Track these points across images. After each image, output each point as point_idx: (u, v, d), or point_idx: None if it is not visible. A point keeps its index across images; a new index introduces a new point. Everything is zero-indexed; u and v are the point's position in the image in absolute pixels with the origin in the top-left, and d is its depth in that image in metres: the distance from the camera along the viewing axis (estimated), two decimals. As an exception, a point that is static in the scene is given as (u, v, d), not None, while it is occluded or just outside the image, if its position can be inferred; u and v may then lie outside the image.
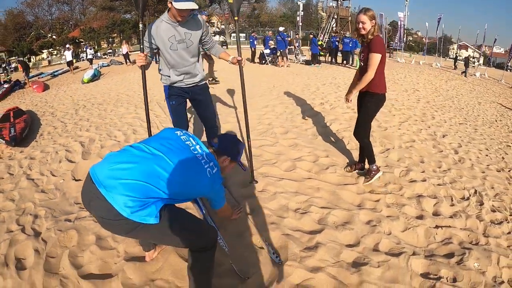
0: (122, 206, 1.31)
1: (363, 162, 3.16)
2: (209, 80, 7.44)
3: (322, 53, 16.81)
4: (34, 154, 4.29)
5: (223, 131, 4.45)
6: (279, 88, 7.71)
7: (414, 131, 4.74)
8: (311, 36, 15.38)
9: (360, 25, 2.54)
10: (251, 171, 2.93)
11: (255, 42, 15.20)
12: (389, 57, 20.02)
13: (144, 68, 2.47)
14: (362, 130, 2.86)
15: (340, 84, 8.57)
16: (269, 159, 3.47)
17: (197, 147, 1.60)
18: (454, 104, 7.69)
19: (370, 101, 2.75)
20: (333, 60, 15.17)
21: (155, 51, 2.51)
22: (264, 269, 1.95)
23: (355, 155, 3.55)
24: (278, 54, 13.25)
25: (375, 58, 2.53)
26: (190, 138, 1.64)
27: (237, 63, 2.64)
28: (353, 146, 3.85)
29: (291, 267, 1.92)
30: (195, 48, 2.52)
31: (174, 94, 2.64)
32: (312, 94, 6.97)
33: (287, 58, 13.33)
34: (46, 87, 11.36)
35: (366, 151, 2.95)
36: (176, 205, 1.61)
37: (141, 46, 2.44)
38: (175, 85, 2.60)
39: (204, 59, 6.66)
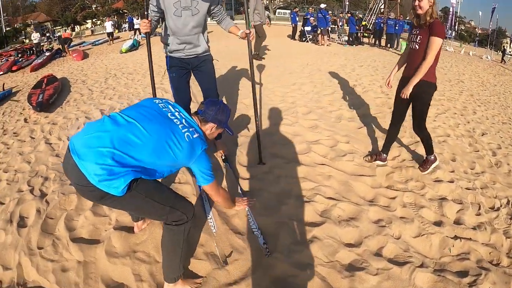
0: (92, 174, 1.29)
1: (387, 154, 2.91)
2: (255, 54, 7.23)
3: (366, 34, 15.78)
4: (56, 120, 4.45)
5: (239, 106, 4.27)
6: (312, 67, 7.33)
7: (451, 125, 4.26)
8: (349, 15, 14.43)
9: (416, 2, 2.30)
10: (259, 153, 2.75)
11: (297, 18, 14.75)
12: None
13: (148, 35, 2.40)
14: (422, 122, 2.64)
15: (378, 67, 7.94)
16: (283, 140, 3.25)
17: (177, 114, 1.56)
18: (500, 101, 6.86)
19: (426, 92, 2.51)
20: (376, 43, 14.18)
21: (160, 16, 2.42)
22: (248, 257, 1.80)
23: (379, 144, 3.25)
24: (319, 32, 12.61)
25: (437, 42, 2.29)
26: (169, 106, 1.60)
27: (245, 38, 2.52)
28: (379, 134, 3.53)
29: (276, 260, 1.76)
30: (201, 17, 2.39)
31: (174, 66, 2.53)
32: (346, 75, 6.53)
33: (328, 36, 12.76)
34: (85, 56, 11.61)
35: (426, 142, 2.75)
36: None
37: (146, 12, 2.35)
38: (175, 55, 2.50)
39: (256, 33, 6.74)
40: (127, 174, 1.32)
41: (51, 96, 5.44)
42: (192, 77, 2.69)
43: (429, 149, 2.77)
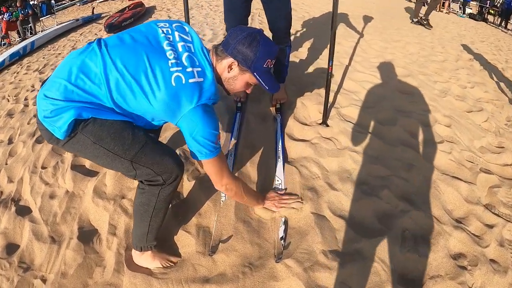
0: (41, 108, 1.03)
1: None
2: (420, 19, 6.32)
3: (492, 12, 12.84)
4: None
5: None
6: (423, 28, 6.09)
7: None
8: None
9: None
10: (324, 111, 2.08)
11: None
12: None
13: None
14: None
15: (503, 48, 6.29)
16: (364, 101, 2.51)
17: (181, 44, 1.09)
18: None
19: None
20: (502, 24, 11.44)
21: None
22: (248, 252, 1.29)
23: (489, 142, 2.36)
24: None
25: None
26: (177, 33, 1.12)
27: None
28: (491, 126, 2.61)
29: (286, 269, 1.21)
30: None
31: None
32: (462, 46, 5.26)
33: (449, 4, 11.08)
34: None
35: None
36: None
37: None
38: None
39: None
40: (70, 109, 0.98)
41: (125, 19, 5.85)
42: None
43: None
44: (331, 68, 1.93)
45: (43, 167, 1.99)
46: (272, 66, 1.15)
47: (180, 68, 1.02)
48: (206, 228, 1.40)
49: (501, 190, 1.90)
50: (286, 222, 1.40)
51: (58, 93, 0.98)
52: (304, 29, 4.48)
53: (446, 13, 10.56)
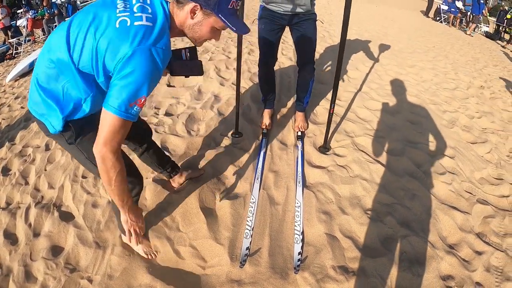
0: (30, 97, 1.11)
1: None
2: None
3: (508, 30, 12.70)
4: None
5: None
6: (437, 51, 6.24)
7: None
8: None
9: None
10: (325, 134, 2.35)
11: None
12: None
13: None
14: None
15: None
16: (376, 130, 2.74)
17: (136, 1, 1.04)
18: None
19: None
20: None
21: None
22: (272, 262, 1.53)
23: (489, 173, 2.55)
24: (471, 18, 10.71)
25: None
26: None
27: None
28: (493, 157, 2.80)
29: (302, 281, 1.47)
30: None
31: (266, 17, 2.13)
32: (475, 71, 5.40)
33: (477, 25, 10.83)
34: None
35: None
36: None
37: None
38: (270, 7, 2.09)
39: None
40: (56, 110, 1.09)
41: None
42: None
43: None
44: (333, 110, 2.19)
45: (83, 177, 2.12)
46: (238, 7, 1.07)
47: (128, 14, 0.97)
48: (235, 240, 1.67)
49: (494, 220, 2.12)
50: (303, 240, 1.67)
51: (44, 76, 1.06)
52: (322, 51, 4.69)
53: (470, 35, 10.29)
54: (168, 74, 1.37)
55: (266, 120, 2.50)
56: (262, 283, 1.46)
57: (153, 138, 1.70)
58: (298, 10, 2.07)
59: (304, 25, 2.14)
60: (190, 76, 1.43)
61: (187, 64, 1.35)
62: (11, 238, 1.81)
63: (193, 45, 1.23)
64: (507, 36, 12.39)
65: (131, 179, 1.27)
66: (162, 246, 1.64)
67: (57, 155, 2.46)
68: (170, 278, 1.49)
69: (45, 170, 2.35)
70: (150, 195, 1.88)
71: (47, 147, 2.66)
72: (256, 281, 1.47)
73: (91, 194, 1.95)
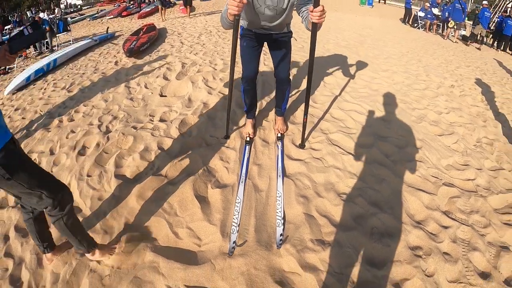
0: None
1: None
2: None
3: (486, 34, 13.42)
4: (141, 67, 4.85)
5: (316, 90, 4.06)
6: (411, 56, 6.69)
7: None
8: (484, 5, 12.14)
9: None
10: (302, 135, 2.61)
11: (411, 2, 13.83)
12: None
13: (236, 17, 1.84)
14: None
15: (488, 71, 6.74)
16: (349, 128, 3.01)
17: None
18: None
19: None
20: (494, 44, 11.94)
21: None
22: (259, 238, 1.77)
23: (457, 160, 2.83)
24: (452, 25, 11.21)
25: None
26: None
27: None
28: (460, 147, 3.08)
29: (284, 252, 1.71)
30: (286, 17, 2.15)
31: (247, 36, 2.35)
32: (447, 72, 5.81)
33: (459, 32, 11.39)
34: (192, 10, 11.95)
35: None
36: None
37: None
38: (250, 27, 2.32)
39: None
40: None
41: (143, 44, 6.00)
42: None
43: None
44: (306, 119, 2.46)
45: (88, 175, 2.33)
46: None
47: None
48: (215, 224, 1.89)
49: (460, 200, 2.38)
50: (284, 223, 1.90)
51: None
52: (301, 62, 4.98)
53: (455, 42, 10.87)
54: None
55: (249, 129, 2.71)
56: (250, 254, 1.69)
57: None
58: (278, 31, 2.32)
59: (280, 44, 2.38)
60: (31, 46, 1.57)
61: (28, 37, 1.44)
62: (21, 232, 1.99)
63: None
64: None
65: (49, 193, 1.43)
66: (163, 229, 1.86)
67: (62, 158, 2.67)
68: (170, 255, 1.71)
69: (51, 171, 2.50)
70: (150, 188, 2.11)
71: (52, 152, 2.86)
72: (244, 253, 1.70)
73: (96, 190, 2.17)
